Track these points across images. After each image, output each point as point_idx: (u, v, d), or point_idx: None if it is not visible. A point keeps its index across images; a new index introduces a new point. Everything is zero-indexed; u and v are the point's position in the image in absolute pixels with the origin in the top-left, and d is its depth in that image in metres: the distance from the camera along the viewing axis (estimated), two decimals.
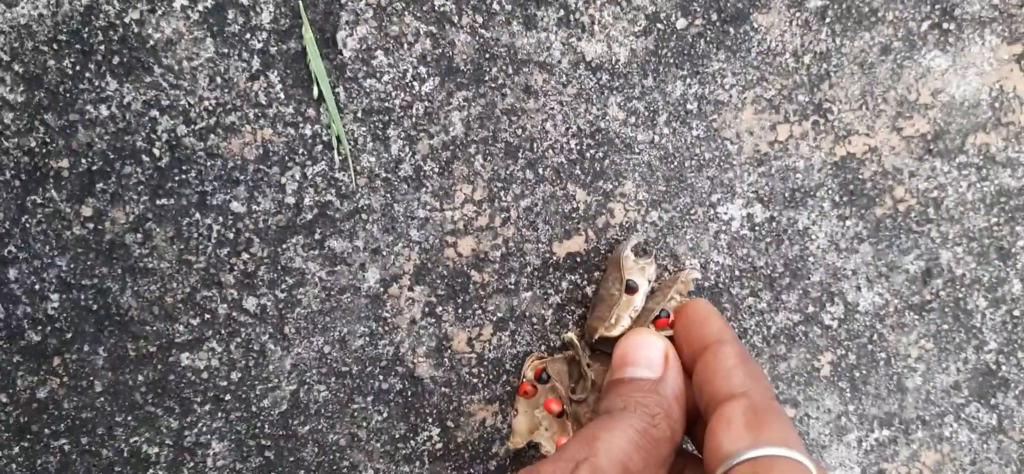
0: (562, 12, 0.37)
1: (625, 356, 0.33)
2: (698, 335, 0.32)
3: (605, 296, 0.38)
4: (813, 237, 0.40)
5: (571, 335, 0.38)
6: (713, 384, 0.29)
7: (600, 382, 0.37)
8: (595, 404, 0.37)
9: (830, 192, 0.40)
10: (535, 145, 0.38)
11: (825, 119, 0.39)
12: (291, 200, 0.37)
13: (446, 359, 0.40)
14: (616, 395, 0.31)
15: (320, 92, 0.36)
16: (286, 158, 0.36)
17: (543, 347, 0.40)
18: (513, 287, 0.40)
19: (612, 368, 0.34)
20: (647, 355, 0.32)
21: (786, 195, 0.40)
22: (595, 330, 0.36)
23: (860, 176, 0.40)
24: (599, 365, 0.38)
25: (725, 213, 0.40)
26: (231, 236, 0.37)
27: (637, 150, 0.39)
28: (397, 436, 0.40)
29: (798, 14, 0.38)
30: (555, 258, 0.39)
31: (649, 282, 0.37)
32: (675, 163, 0.39)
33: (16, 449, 0.37)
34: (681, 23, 0.37)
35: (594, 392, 0.37)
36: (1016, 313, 0.43)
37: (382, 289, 0.38)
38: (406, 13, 0.36)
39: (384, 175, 0.37)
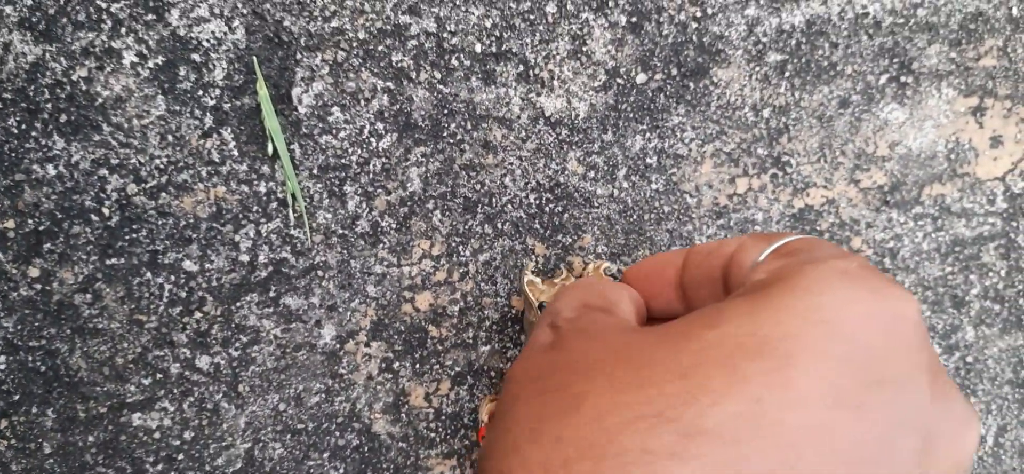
0: (522, 68, 0.38)
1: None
2: (658, 269, 0.35)
3: (526, 326, 0.40)
4: None
5: None
6: (715, 256, 0.30)
7: None
8: None
9: None
10: (494, 200, 0.40)
11: (784, 172, 0.41)
12: (245, 258, 0.38)
13: (403, 414, 0.42)
14: (553, 298, 0.34)
15: (275, 149, 0.37)
16: (240, 216, 0.38)
17: (495, 391, 0.42)
18: (471, 341, 0.41)
19: None
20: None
21: None
22: None
23: (818, 227, 0.42)
24: None
25: None
26: (183, 295, 0.38)
27: (596, 204, 0.41)
28: None
29: (758, 68, 0.40)
30: (513, 312, 0.41)
31: None
32: (634, 216, 0.41)
33: None
34: (641, 78, 0.39)
35: None
36: (969, 359, 0.45)
37: (338, 345, 0.40)
38: (363, 69, 0.37)
39: (340, 232, 0.39)
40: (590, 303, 0.29)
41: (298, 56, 0.37)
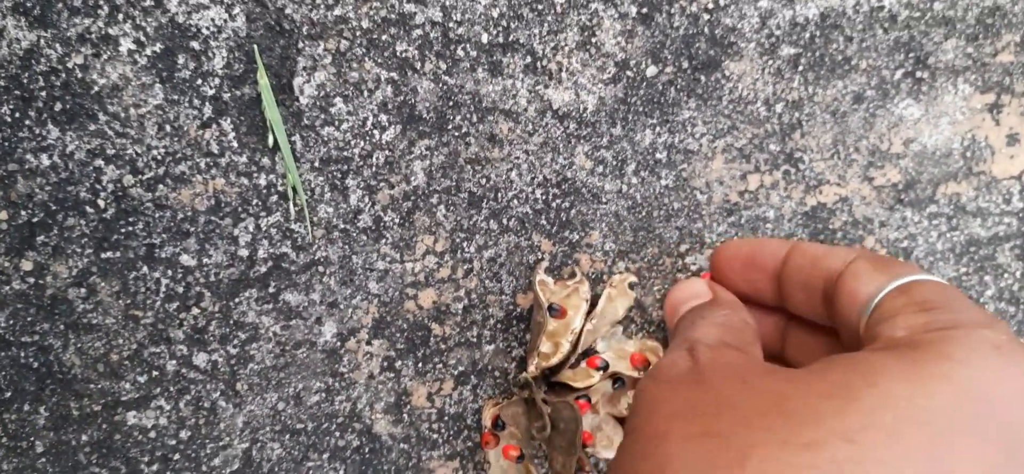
0: (529, 59, 0.38)
1: (676, 301, 0.36)
2: (759, 255, 0.34)
3: (533, 326, 0.39)
4: None
5: (526, 375, 0.39)
6: (819, 267, 0.30)
7: (556, 418, 0.38)
8: (551, 439, 0.39)
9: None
10: (499, 195, 0.39)
11: (796, 168, 0.41)
12: (244, 252, 0.38)
13: (405, 415, 0.41)
14: (685, 322, 0.34)
15: (275, 141, 0.36)
16: (239, 209, 0.37)
17: (499, 392, 0.42)
18: (475, 340, 0.41)
19: (667, 318, 0.37)
20: (693, 291, 0.36)
21: None
22: (530, 360, 0.38)
23: (830, 226, 0.42)
24: (556, 399, 0.39)
25: (694, 263, 0.41)
26: (181, 290, 0.37)
27: (604, 200, 0.40)
28: None
29: (770, 62, 0.39)
30: (519, 310, 0.41)
31: (585, 301, 0.39)
32: (643, 213, 0.40)
33: None
34: (651, 71, 0.39)
35: (551, 429, 0.39)
36: None
37: (339, 343, 0.39)
38: (366, 59, 0.37)
39: (342, 226, 0.38)
40: (728, 342, 0.29)
41: (300, 45, 0.36)
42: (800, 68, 0.39)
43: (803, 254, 0.32)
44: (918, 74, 0.40)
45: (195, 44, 0.35)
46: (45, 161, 0.35)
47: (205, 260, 0.37)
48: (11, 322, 0.36)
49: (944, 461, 0.20)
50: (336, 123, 0.37)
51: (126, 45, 0.35)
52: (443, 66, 0.37)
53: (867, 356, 0.23)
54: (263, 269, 0.38)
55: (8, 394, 0.37)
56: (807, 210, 0.41)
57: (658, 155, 0.40)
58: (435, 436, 0.42)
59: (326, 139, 0.37)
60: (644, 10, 0.38)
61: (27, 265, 0.36)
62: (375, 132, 0.37)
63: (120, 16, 0.34)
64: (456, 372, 0.41)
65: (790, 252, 0.32)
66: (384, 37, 0.36)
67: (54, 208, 0.36)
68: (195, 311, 0.38)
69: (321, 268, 0.38)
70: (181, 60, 0.35)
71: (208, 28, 0.35)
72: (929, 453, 0.20)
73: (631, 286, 0.40)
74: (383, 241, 0.39)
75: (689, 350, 0.28)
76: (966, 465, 0.20)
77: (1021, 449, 0.21)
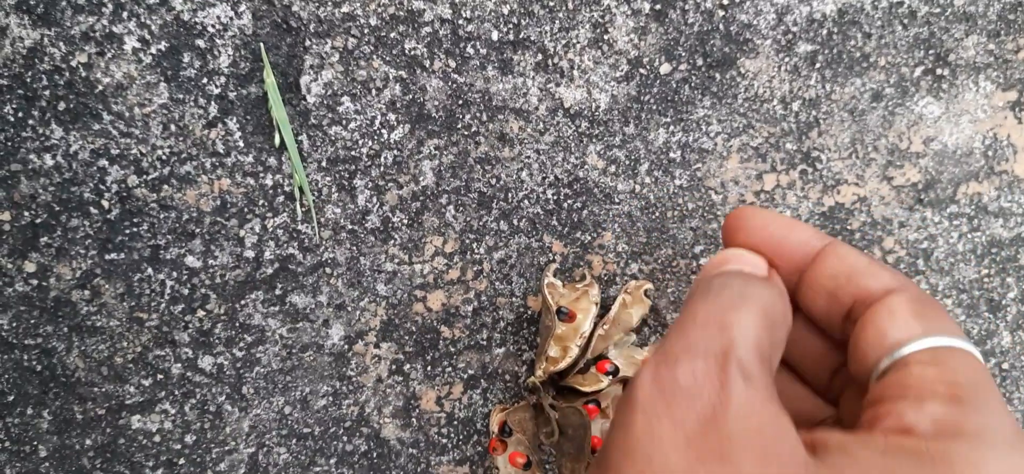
0: (540, 57, 0.37)
1: (727, 256, 0.31)
2: (790, 242, 0.30)
3: (542, 330, 0.39)
4: None
5: (534, 379, 0.39)
6: (855, 283, 0.28)
7: (565, 423, 0.38)
8: (560, 445, 0.38)
9: None
10: (510, 195, 0.39)
11: (813, 168, 0.40)
12: (250, 254, 0.38)
13: (414, 419, 0.41)
14: (723, 288, 0.28)
15: (282, 140, 0.36)
16: (245, 209, 0.37)
17: (509, 396, 0.42)
18: (485, 343, 0.41)
19: (710, 268, 0.31)
20: (751, 260, 0.31)
21: None
22: (538, 364, 0.38)
23: (849, 226, 0.41)
24: (565, 404, 0.39)
25: None
26: (186, 292, 0.37)
27: (617, 200, 0.40)
28: None
29: (787, 59, 0.39)
30: (529, 313, 0.41)
31: (595, 304, 0.38)
32: (657, 213, 0.40)
33: None
34: (665, 68, 0.38)
35: (560, 435, 0.38)
36: (1005, 365, 0.44)
37: (347, 346, 0.39)
38: (374, 57, 0.36)
39: (350, 227, 0.38)
40: (764, 352, 0.25)
41: (307, 43, 0.36)
42: (817, 65, 0.39)
43: (842, 260, 0.28)
44: (938, 71, 0.40)
45: (201, 42, 0.35)
46: (49, 161, 0.35)
47: (211, 261, 0.37)
48: (14, 324, 0.36)
49: None
50: (344, 122, 0.37)
51: (131, 43, 0.35)
52: (452, 64, 0.37)
53: (884, 463, 0.23)
54: (269, 271, 0.38)
55: (11, 397, 0.37)
56: (825, 210, 0.41)
57: (672, 154, 0.39)
58: (444, 441, 0.41)
59: (333, 138, 0.37)
60: (657, 6, 0.37)
61: (30, 267, 0.36)
62: (383, 131, 0.37)
63: (124, 14, 0.34)
64: (466, 375, 0.41)
65: (825, 253, 0.29)
66: (392, 35, 0.36)
67: (58, 209, 0.36)
68: (201, 313, 0.38)
69: (328, 270, 0.38)
70: (186, 59, 0.35)
71: (214, 26, 0.35)
72: None
73: (647, 293, 0.40)
74: (391, 242, 0.39)
75: (720, 362, 0.24)
76: None
77: None
